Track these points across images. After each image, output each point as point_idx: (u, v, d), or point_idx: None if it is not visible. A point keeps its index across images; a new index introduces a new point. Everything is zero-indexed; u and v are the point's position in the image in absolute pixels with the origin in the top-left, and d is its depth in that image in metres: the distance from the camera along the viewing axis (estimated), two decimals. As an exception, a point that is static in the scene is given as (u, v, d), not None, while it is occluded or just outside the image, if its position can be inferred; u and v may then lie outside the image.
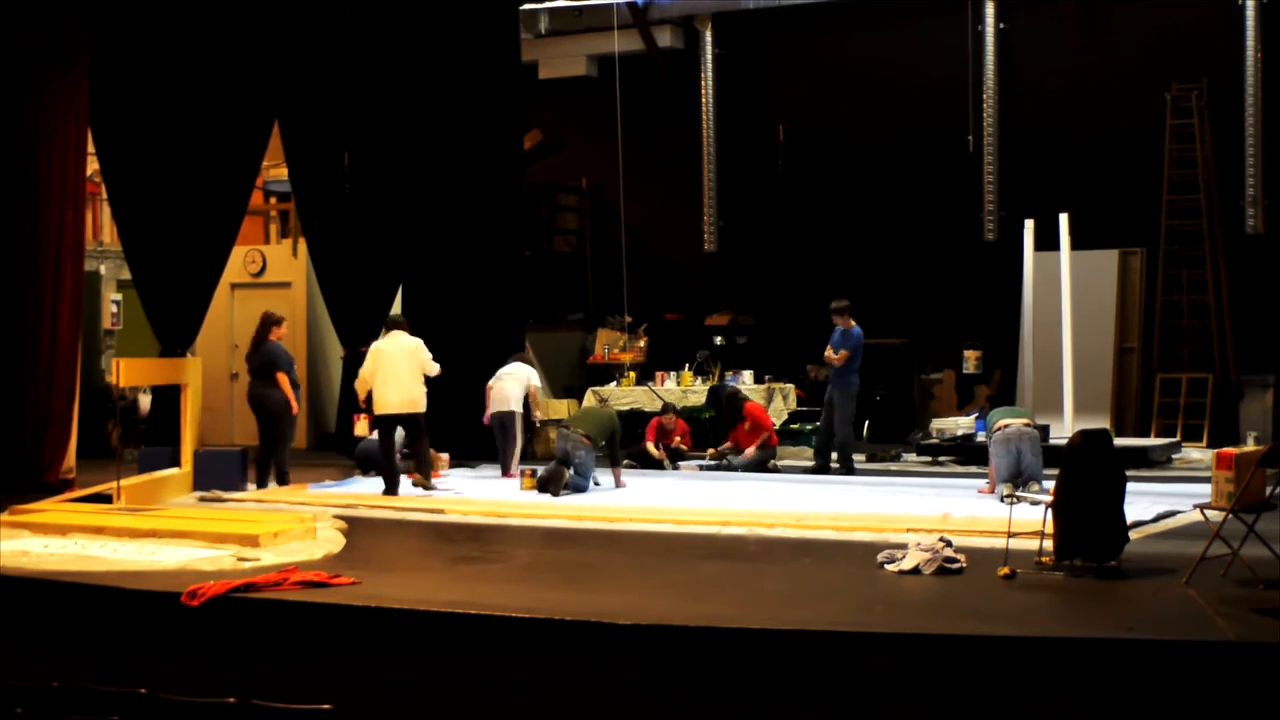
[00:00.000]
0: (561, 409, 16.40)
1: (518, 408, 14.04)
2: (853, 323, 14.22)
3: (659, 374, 17.85)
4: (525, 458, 14.37)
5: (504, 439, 14.11)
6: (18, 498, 11.82)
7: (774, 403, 16.92)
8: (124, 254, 15.91)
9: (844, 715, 6.72)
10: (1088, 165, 17.37)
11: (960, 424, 15.73)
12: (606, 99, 17.71)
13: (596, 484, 12.99)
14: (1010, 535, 8.74)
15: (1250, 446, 12.02)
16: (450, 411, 14.77)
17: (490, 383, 14.19)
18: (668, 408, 15.59)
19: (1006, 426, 11.50)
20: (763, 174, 19.72)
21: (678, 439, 15.16)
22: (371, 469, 13.87)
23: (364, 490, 13.14)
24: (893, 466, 15.11)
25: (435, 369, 12.99)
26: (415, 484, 12.78)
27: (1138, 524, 9.66)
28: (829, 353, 14.23)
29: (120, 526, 10.42)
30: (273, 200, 19.87)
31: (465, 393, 14.78)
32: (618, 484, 13.09)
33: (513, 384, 14.09)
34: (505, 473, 14.00)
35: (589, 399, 16.82)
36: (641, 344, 19.02)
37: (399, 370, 12.77)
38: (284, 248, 18.92)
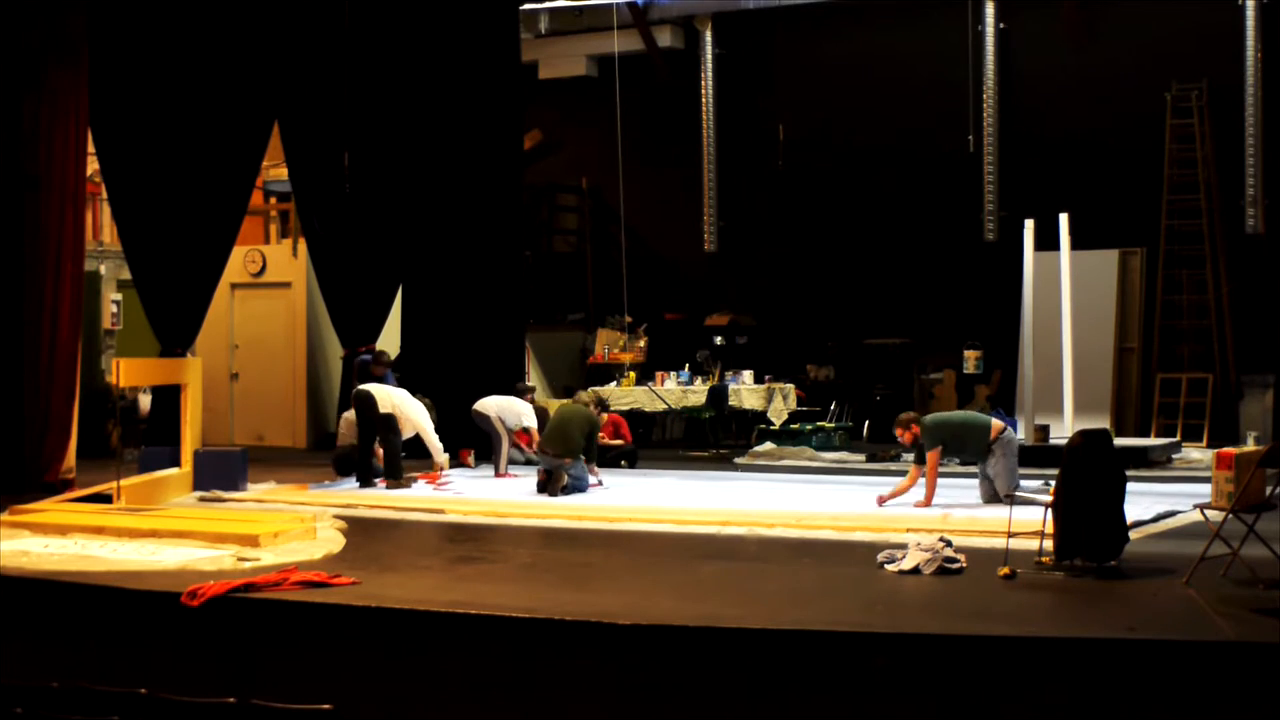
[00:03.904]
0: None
1: (495, 415, 14.02)
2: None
3: (659, 374, 17.85)
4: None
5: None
6: (18, 498, 11.79)
7: (774, 403, 16.92)
8: (124, 254, 15.89)
9: (844, 715, 6.72)
10: (1088, 165, 17.36)
11: (960, 424, 15.69)
12: (606, 99, 17.71)
13: (599, 483, 12.97)
14: (1010, 535, 8.74)
15: (1250, 446, 12.01)
16: (450, 412, 14.73)
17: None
18: (598, 402, 13.80)
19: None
20: (763, 174, 19.72)
21: (611, 438, 14.66)
22: (349, 471, 13.91)
23: (364, 490, 13.13)
24: (893, 466, 15.08)
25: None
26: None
27: (1138, 524, 9.66)
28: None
29: (120, 526, 10.40)
30: (273, 200, 19.86)
31: (464, 393, 14.75)
32: (593, 480, 12.89)
33: (495, 404, 14.11)
34: (497, 473, 14.04)
35: (560, 404, 14.64)
36: (641, 344, 19.03)
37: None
38: (284, 248, 18.91)
